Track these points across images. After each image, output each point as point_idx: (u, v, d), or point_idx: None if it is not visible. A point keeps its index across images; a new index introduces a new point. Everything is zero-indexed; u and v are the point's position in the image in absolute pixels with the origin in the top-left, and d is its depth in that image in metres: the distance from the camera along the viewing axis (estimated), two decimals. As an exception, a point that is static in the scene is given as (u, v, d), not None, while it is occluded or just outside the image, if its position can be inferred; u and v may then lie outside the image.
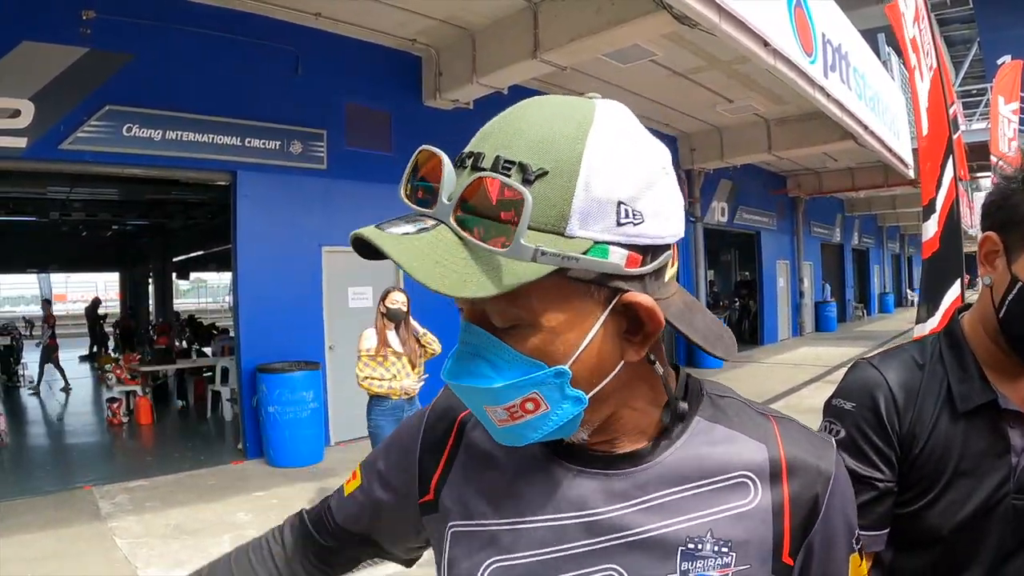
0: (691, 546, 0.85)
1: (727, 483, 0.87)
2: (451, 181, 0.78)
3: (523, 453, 0.93)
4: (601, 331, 0.81)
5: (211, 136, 8.19)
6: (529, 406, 0.80)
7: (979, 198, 8.63)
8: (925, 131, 5.92)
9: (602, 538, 0.87)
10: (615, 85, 11.89)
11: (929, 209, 5.71)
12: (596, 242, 0.76)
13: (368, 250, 0.78)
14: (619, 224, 0.77)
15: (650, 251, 0.80)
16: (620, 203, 0.76)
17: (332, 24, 9.14)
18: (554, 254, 0.72)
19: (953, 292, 5.57)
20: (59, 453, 9.51)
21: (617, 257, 0.77)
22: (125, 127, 7.57)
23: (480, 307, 0.81)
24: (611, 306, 0.80)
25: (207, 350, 14.87)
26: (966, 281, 5.64)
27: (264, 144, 8.68)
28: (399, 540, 1.15)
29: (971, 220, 8.73)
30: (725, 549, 0.84)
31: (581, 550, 0.88)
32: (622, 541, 0.87)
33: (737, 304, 23.93)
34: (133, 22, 7.60)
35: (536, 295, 0.77)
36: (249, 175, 8.61)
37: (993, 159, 12.42)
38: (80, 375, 18.31)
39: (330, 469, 8.31)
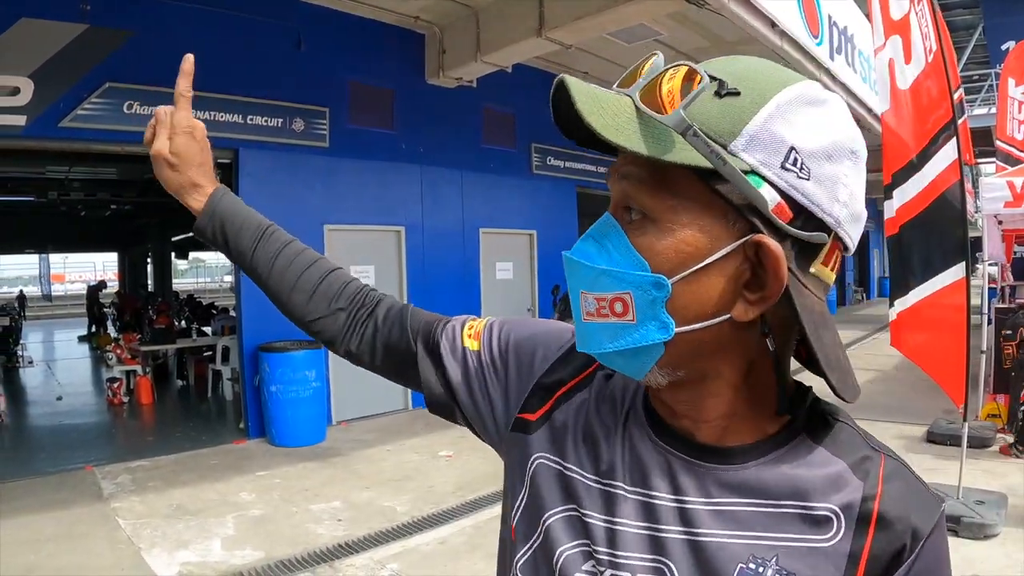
0: (752, 566, 0.79)
1: (811, 512, 0.80)
2: (655, 69, 0.79)
3: (629, 421, 0.92)
4: (720, 264, 0.77)
5: (212, 113, 8.10)
6: (618, 307, 0.79)
7: (983, 182, 8.59)
8: (887, 107, 5.95)
9: (664, 526, 0.84)
10: (620, 64, 11.81)
11: (892, 186, 5.74)
12: (753, 170, 0.74)
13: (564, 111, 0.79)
14: (783, 167, 0.74)
15: (804, 215, 0.76)
16: (792, 148, 0.75)
17: (335, 1, 9.07)
18: (705, 141, 0.72)
19: (954, 274, 5.58)
20: (59, 433, 9.47)
21: (767, 195, 0.74)
22: (126, 104, 7.50)
23: (627, 187, 0.80)
24: (741, 241, 0.76)
25: (207, 329, 14.81)
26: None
27: (266, 121, 8.61)
28: (465, 410, 1.11)
29: (974, 205, 8.75)
30: None
31: (639, 531, 0.85)
32: (682, 537, 0.83)
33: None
34: (133, -2, 7.51)
35: (675, 189, 0.77)
36: (251, 153, 8.55)
37: (999, 143, 12.34)
38: (79, 355, 18.30)
39: (332, 448, 8.31)
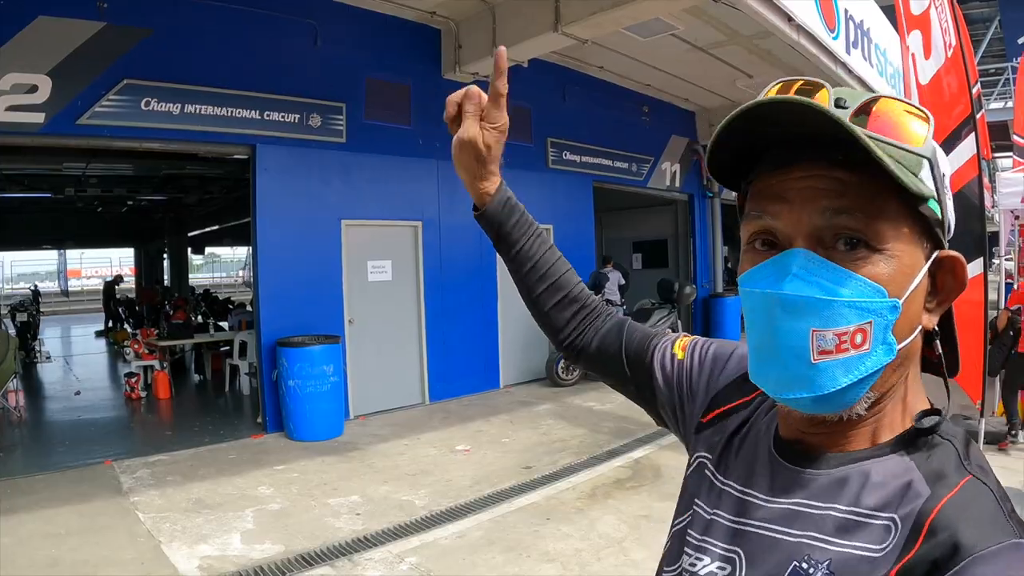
0: (804, 565, 0.81)
1: (874, 521, 0.80)
2: (847, 96, 0.83)
3: (763, 433, 1.00)
4: (922, 280, 0.83)
5: (230, 110, 8.14)
6: (858, 338, 0.79)
7: (1000, 178, 8.56)
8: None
9: (746, 520, 0.91)
10: (635, 59, 11.82)
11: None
12: (935, 193, 0.82)
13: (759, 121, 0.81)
14: (942, 187, 0.84)
15: (944, 225, 0.85)
16: (944, 173, 0.84)
17: (352, -4, 9.06)
18: (937, 177, 0.81)
19: (972, 270, 5.55)
20: (78, 428, 9.50)
21: (949, 215, 0.85)
22: (143, 101, 7.53)
23: (846, 220, 0.80)
24: (933, 257, 0.84)
25: (223, 324, 14.86)
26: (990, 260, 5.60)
27: (283, 117, 8.63)
28: (664, 411, 1.24)
29: (991, 200, 8.74)
30: None
31: (728, 523, 0.94)
32: (758, 531, 0.89)
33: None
34: (151, -4, 7.55)
35: (890, 216, 0.80)
36: (268, 148, 8.57)
37: (1016, 138, 12.27)
38: (96, 350, 18.39)
39: (350, 443, 8.34)
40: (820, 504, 0.84)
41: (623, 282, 12.97)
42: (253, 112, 8.38)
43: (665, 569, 1.03)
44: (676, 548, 1.02)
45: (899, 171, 0.75)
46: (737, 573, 0.88)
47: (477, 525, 5.85)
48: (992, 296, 9.04)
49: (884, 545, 0.77)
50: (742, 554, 0.89)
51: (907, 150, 0.79)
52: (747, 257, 0.87)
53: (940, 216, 0.83)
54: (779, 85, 0.86)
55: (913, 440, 0.85)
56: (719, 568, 0.91)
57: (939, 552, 0.72)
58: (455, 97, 1.23)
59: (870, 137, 0.75)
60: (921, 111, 0.81)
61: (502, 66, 1.22)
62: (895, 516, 0.79)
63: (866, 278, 0.79)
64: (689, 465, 1.10)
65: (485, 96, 1.22)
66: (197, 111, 7.90)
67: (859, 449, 0.86)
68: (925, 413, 0.86)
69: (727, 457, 1.02)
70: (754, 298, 0.83)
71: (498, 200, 1.30)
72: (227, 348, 12.39)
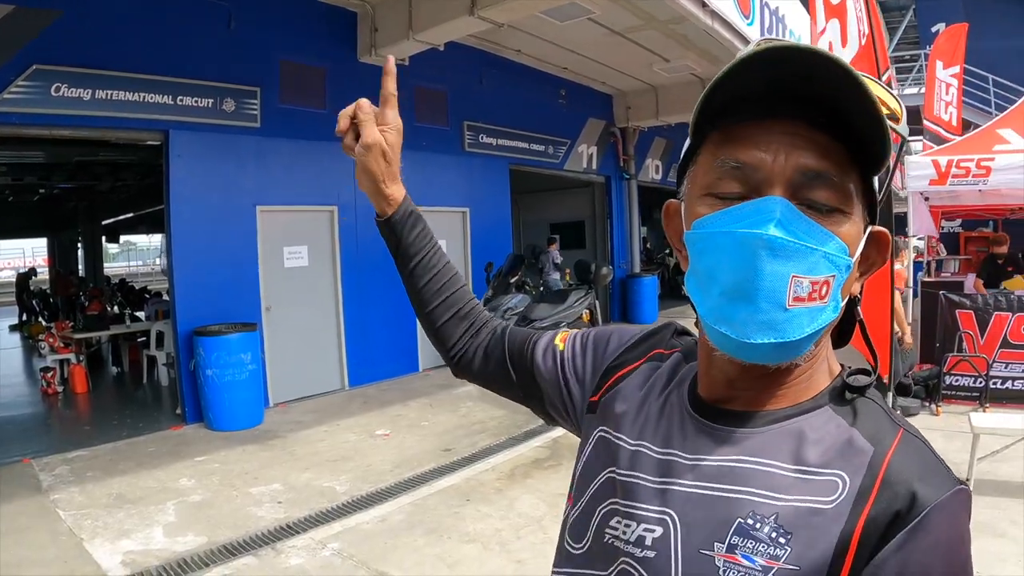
0: (750, 521, 0.84)
1: (819, 476, 0.85)
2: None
3: (672, 395, 1.05)
4: (860, 249, 0.90)
5: (142, 95, 7.93)
6: (823, 290, 0.85)
7: (909, 161, 8.82)
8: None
9: (673, 480, 0.93)
10: (552, 42, 11.88)
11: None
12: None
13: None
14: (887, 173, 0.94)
15: (877, 201, 0.94)
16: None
17: (265, -22, 8.92)
18: (898, 148, 0.89)
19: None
20: (-8, 426, 9.27)
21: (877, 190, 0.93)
22: (53, 87, 7.28)
23: (824, 182, 0.86)
24: (870, 228, 0.92)
25: (140, 314, 14.57)
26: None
27: (196, 102, 8.45)
28: (553, 407, 1.28)
29: (901, 182, 9.05)
30: (782, 540, 0.82)
31: (652, 484, 0.95)
32: (688, 491, 0.91)
33: (670, 260, 24.00)
34: (58, -23, 7.31)
35: (854, 184, 0.88)
36: (181, 134, 8.38)
37: (926, 123, 12.74)
38: (10, 345, 17.88)
39: (270, 431, 8.28)
40: (759, 460, 0.88)
41: (559, 260, 13.67)
42: (166, 97, 8.17)
43: (574, 545, 1.05)
44: (582, 525, 1.04)
45: (887, 139, 0.83)
46: (672, 535, 0.89)
47: (398, 509, 5.89)
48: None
49: (833, 498, 0.82)
50: (674, 515, 0.90)
51: (892, 128, 0.86)
52: (706, 202, 0.89)
53: (877, 191, 0.92)
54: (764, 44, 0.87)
55: (839, 397, 0.92)
56: (646, 531, 0.92)
57: (900, 504, 0.79)
58: (347, 111, 1.27)
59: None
60: (892, 94, 0.92)
61: (389, 68, 1.29)
62: (841, 472, 0.84)
63: (838, 236, 0.85)
64: (587, 444, 1.12)
65: (374, 106, 1.28)
66: (109, 96, 7.67)
67: (787, 407, 0.92)
68: (854, 372, 0.95)
69: (633, 421, 1.05)
70: (730, 239, 0.84)
71: (404, 208, 1.32)
72: (144, 339, 12.15)
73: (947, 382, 8.38)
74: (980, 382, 8.28)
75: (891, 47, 22.93)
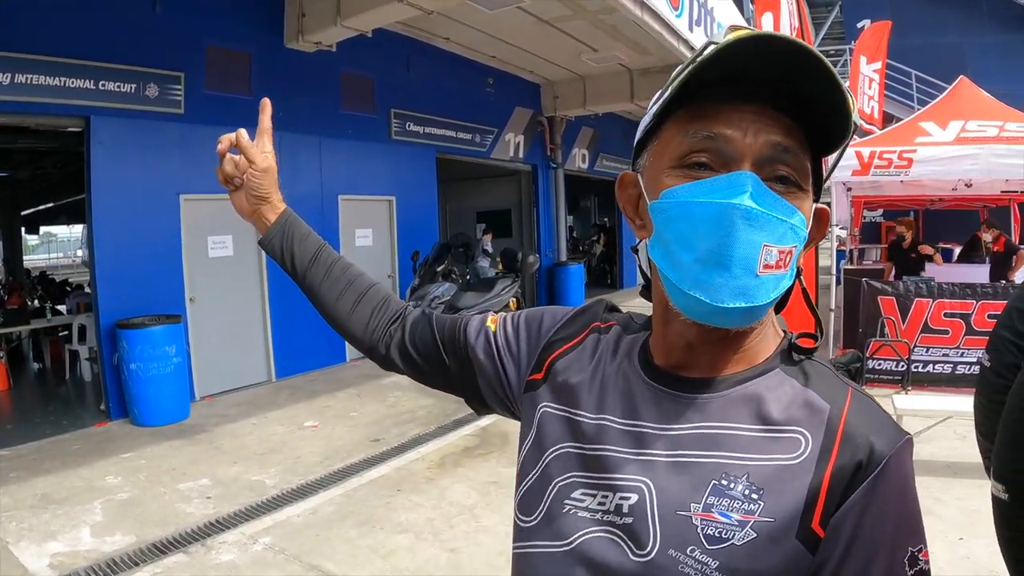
0: (724, 481, 0.90)
1: (782, 435, 0.92)
2: None
3: (623, 367, 1.08)
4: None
5: (63, 79, 7.64)
6: (787, 259, 0.91)
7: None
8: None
9: (646, 450, 0.97)
10: (481, 31, 11.84)
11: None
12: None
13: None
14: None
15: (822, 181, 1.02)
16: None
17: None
18: (853, 131, 0.91)
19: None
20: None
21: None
22: (-33, 71, 7.01)
23: (790, 159, 0.92)
24: (816, 205, 0.99)
25: (62, 308, 14.20)
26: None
27: (119, 87, 8.18)
28: (488, 389, 1.29)
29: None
30: (755, 496, 0.88)
31: (625, 455, 0.98)
32: (662, 459, 0.95)
33: (596, 247, 24.20)
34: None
35: (808, 163, 0.95)
36: (103, 120, 8.12)
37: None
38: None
39: (197, 425, 8.13)
40: (724, 424, 0.94)
41: (490, 249, 13.92)
42: (87, 82, 7.88)
43: (524, 519, 1.08)
44: (533, 498, 1.07)
45: (851, 124, 0.89)
46: (648, 500, 0.94)
47: (329, 500, 5.86)
48: (825, 262, 9.73)
49: (798, 454, 0.90)
50: (650, 483, 0.94)
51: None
52: (675, 173, 0.93)
53: (823, 172, 0.99)
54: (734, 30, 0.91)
55: (788, 359, 1.00)
56: (622, 499, 0.96)
57: (862, 455, 0.87)
58: (228, 137, 1.38)
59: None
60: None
61: (265, 105, 1.45)
62: (802, 429, 0.91)
63: (799, 210, 0.92)
64: (531, 423, 1.14)
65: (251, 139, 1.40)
66: (28, 81, 7.35)
67: (742, 371, 0.98)
68: (800, 336, 1.02)
69: (588, 394, 1.08)
70: (708, 208, 0.88)
71: (287, 212, 1.44)
72: (66, 333, 11.84)
73: (870, 366, 8.70)
74: (902, 366, 8.58)
75: (817, 42, 23.42)
